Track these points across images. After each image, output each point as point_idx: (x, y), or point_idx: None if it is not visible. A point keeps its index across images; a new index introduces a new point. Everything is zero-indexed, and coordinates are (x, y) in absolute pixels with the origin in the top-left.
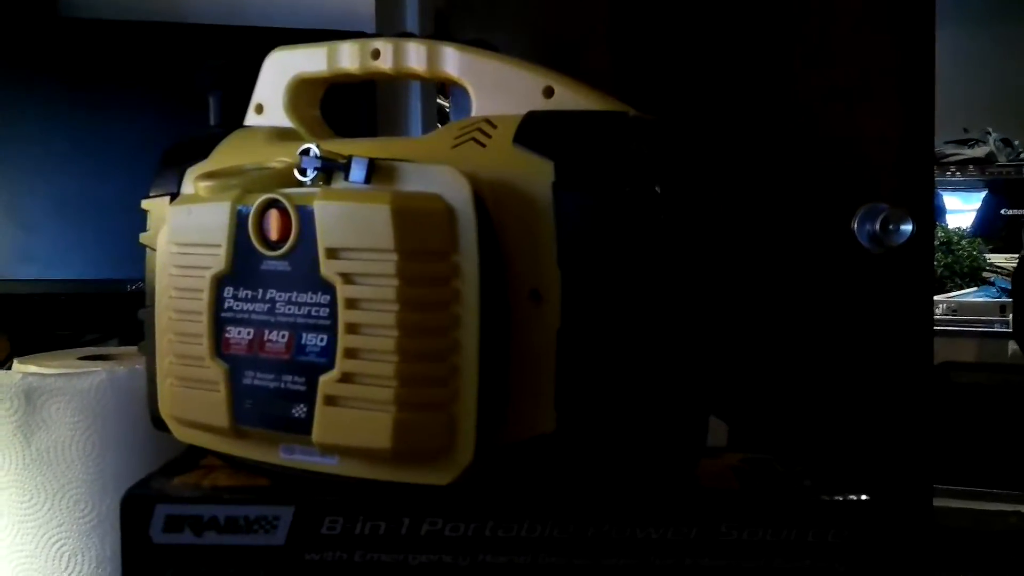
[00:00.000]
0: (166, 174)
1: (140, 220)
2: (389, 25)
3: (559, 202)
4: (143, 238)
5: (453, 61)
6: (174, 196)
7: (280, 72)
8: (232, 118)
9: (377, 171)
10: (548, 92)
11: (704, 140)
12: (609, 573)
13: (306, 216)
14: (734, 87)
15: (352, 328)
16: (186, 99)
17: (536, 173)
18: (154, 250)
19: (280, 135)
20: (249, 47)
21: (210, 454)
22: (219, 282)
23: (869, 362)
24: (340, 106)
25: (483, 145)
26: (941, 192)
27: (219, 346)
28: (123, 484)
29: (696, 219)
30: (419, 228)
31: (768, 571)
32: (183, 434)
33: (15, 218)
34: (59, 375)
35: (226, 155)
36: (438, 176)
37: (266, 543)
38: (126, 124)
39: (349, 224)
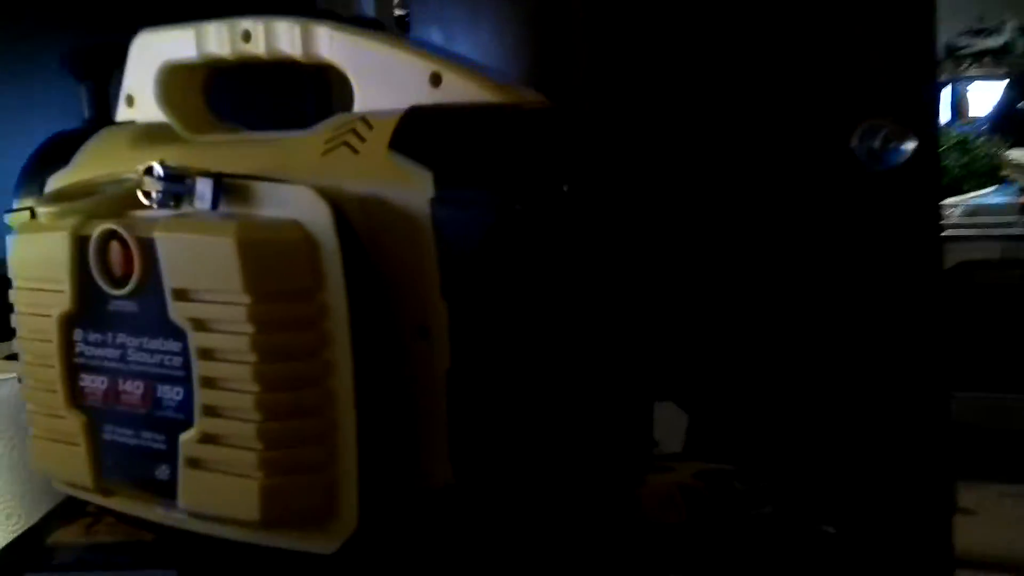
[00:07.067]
0: (30, 184)
1: None
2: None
3: (439, 221)
4: (10, 260)
5: (327, 44)
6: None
7: (148, 59)
8: (108, 109)
9: (227, 192)
10: (435, 80)
11: (694, 44)
12: None
13: (150, 249)
14: None
15: (209, 382)
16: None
17: (414, 186)
18: None
19: (150, 134)
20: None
21: None
22: (67, 323)
23: (874, 290)
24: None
25: (356, 151)
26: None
27: (74, 395)
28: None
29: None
30: (273, 264)
31: None
32: (60, 486)
33: None
34: None
35: (89, 161)
36: (296, 198)
37: None
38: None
39: (195, 260)
